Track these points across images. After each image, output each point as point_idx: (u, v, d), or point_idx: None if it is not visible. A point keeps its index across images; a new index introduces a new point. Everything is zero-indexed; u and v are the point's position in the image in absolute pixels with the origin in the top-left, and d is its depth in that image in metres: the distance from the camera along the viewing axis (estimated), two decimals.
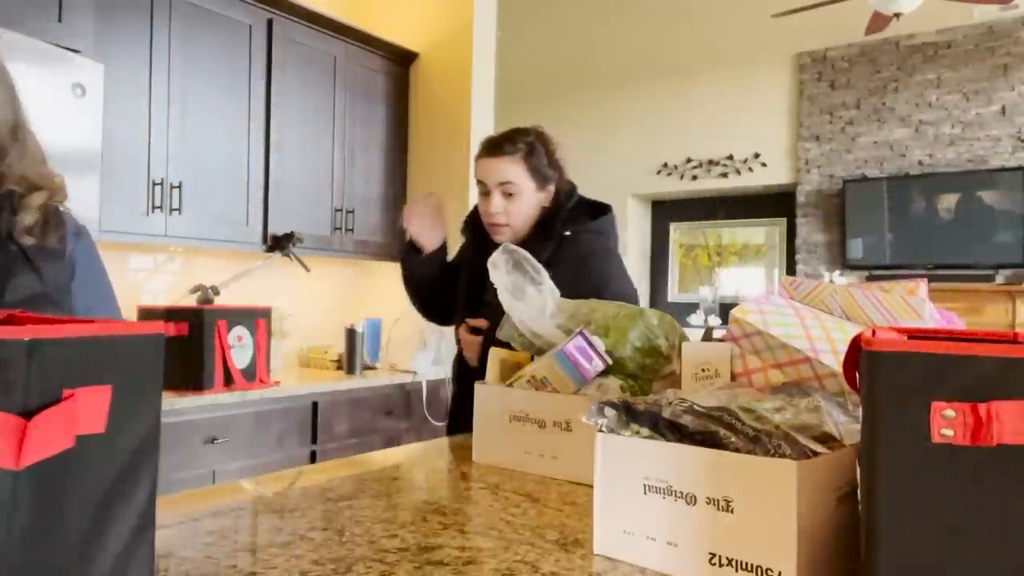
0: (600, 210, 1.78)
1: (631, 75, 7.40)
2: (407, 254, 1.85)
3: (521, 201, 1.68)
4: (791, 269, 7.01)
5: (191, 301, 2.80)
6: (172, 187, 2.77)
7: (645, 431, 0.81)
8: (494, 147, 1.69)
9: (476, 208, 1.80)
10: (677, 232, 7.96)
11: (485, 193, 1.69)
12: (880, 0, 4.34)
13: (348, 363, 3.29)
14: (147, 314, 2.69)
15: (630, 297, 1.67)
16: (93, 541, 0.58)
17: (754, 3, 5.86)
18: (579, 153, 7.92)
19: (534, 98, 7.95)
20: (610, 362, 1.21)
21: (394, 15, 3.89)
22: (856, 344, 0.65)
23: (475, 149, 1.79)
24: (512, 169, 1.67)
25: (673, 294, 7.93)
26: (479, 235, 1.77)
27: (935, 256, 5.91)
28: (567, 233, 1.70)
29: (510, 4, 5.34)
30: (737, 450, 0.75)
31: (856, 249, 6.26)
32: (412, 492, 1.18)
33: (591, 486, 0.85)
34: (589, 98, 7.75)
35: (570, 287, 1.59)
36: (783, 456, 0.72)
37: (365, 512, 0.99)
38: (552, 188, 1.72)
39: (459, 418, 1.69)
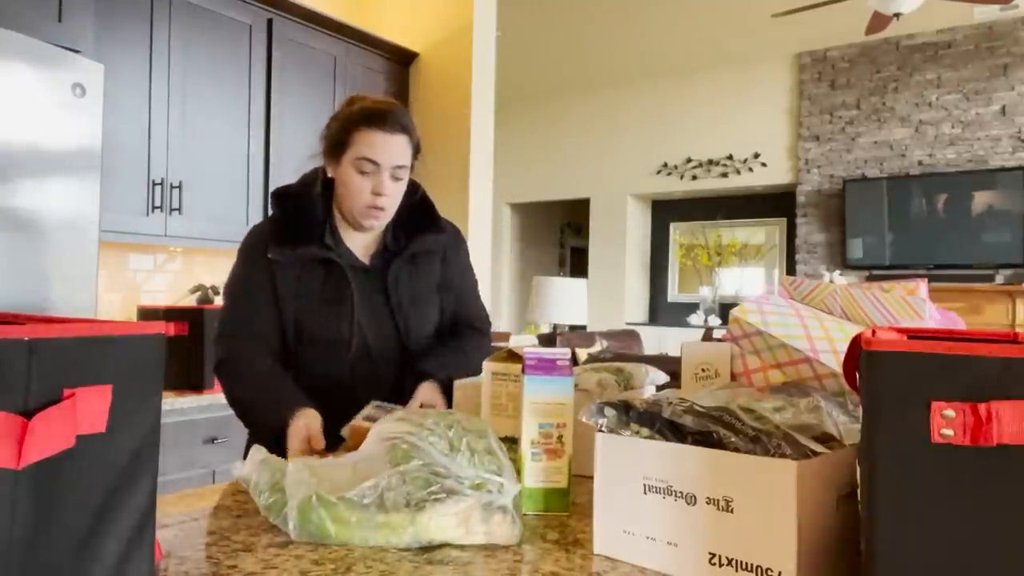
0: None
1: (631, 75, 7.40)
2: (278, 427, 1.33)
3: (402, 187, 1.48)
4: (791, 269, 7.01)
5: (191, 301, 2.80)
6: (172, 187, 2.77)
7: (645, 431, 0.81)
8: (393, 119, 1.43)
9: (289, 207, 1.50)
10: (677, 232, 7.96)
11: (364, 172, 1.42)
12: (880, 0, 4.34)
13: None
14: (147, 314, 2.69)
15: None
16: (93, 541, 0.58)
17: (754, 3, 5.86)
18: (579, 153, 7.97)
19: (534, 98, 7.96)
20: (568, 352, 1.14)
21: (394, 15, 3.89)
22: (856, 344, 0.65)
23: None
24: (407, 151, 1.45)
25: (673, 294, 7.93)
26: (296, 231, 1.46)
27: (935, 256, 5.91)
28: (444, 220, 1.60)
29: (510, 4, 5.34)
30: (737, 450, 0.75)
31: (856, 249, 6.26)
32: None
33: (590, 477, 0.86)
34: (589, 98, 7.75)
35: (461, 275, 1.62)
36: (783, 456, 0.72)
37: None
38: None
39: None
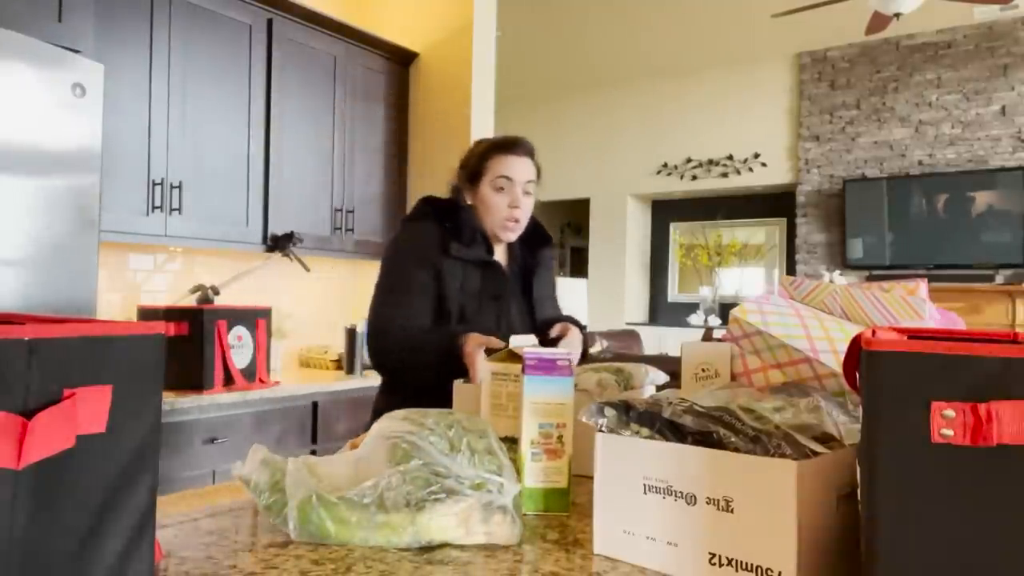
0: None
1: (631, 75, 7.40)
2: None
3: (531, 202, 1.76)
4: (791, 269, 7.01)
5: (191, 301, 2.80)
6: (172, 187, 2.77)
7: (645, 431, 0.81)
8: (522, 146, 1.75)
9: (451, 212, 1.72)
10: (677, 232, 7.96)
11: (501, 189, 1.70)
12: (880, 0, 4.34)
13: (348, 363, 3.29)
14: (147, 314, 2.69)
15: None
16: (93, 540, 0.58)
17: (754, 3, 5.86)
18: (579, 153, 7.96)
19: (534, 98, 7.96)
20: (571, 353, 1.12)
21: (394, 15, 3.89)
22: (856, 344, 0.65)
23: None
24: (533, 170, 1.74)
25: (673, 294, 7.93)
26: (469, 236, 1.70)
27: (935, 256, 5.91)
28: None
29: (510, 4, 5.33)
30: (737, 450, 0.75)
31: (856, 249, 6.26)
32: None
33: (590, 477, 0.86)
34: (589, 98, 7.75)
35: (555, 284, 1.97)
36: (783, 456, 0.72)
37: None
38: None
39: None
